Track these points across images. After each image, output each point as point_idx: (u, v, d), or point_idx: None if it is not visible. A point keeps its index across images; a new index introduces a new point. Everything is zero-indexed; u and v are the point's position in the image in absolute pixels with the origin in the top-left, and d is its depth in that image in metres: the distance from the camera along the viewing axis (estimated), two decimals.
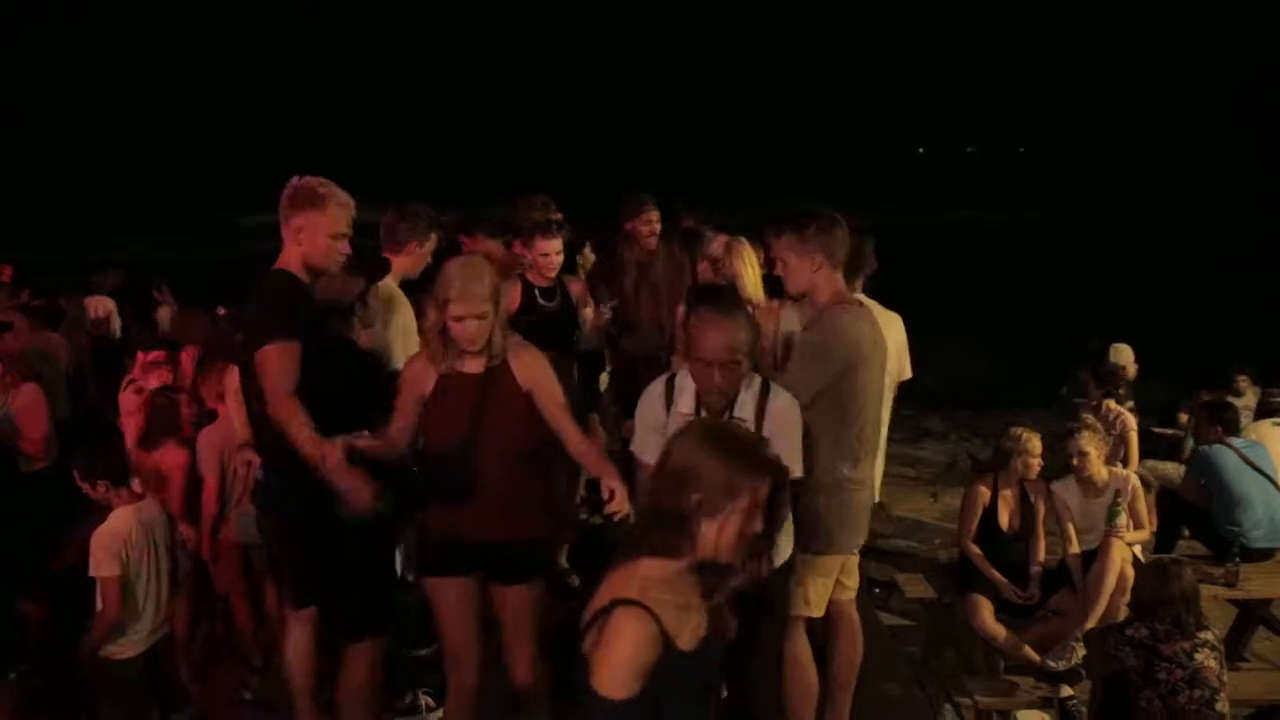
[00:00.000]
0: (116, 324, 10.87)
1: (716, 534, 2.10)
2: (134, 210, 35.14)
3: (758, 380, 3.27)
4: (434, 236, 4.34)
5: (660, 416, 3.31)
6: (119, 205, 35.44)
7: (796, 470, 3.27)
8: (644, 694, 2.05)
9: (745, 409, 3.21)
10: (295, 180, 3.48)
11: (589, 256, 6.46)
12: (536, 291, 4.86)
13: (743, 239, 4.41)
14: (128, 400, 6.28)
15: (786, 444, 3.21)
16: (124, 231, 29.79)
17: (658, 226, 5.48)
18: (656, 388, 3.38)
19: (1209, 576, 5.10)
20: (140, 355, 6.74)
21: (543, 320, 4.71)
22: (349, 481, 3.11)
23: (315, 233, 3.41)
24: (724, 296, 3.61)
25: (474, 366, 3.30)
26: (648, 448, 3.28)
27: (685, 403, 3.26)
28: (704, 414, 3.21)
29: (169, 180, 41.05)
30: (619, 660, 2.04)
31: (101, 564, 3.70)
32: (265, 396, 3.29)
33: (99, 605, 3.70)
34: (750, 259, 4.31)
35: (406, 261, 4.26)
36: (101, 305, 10.94)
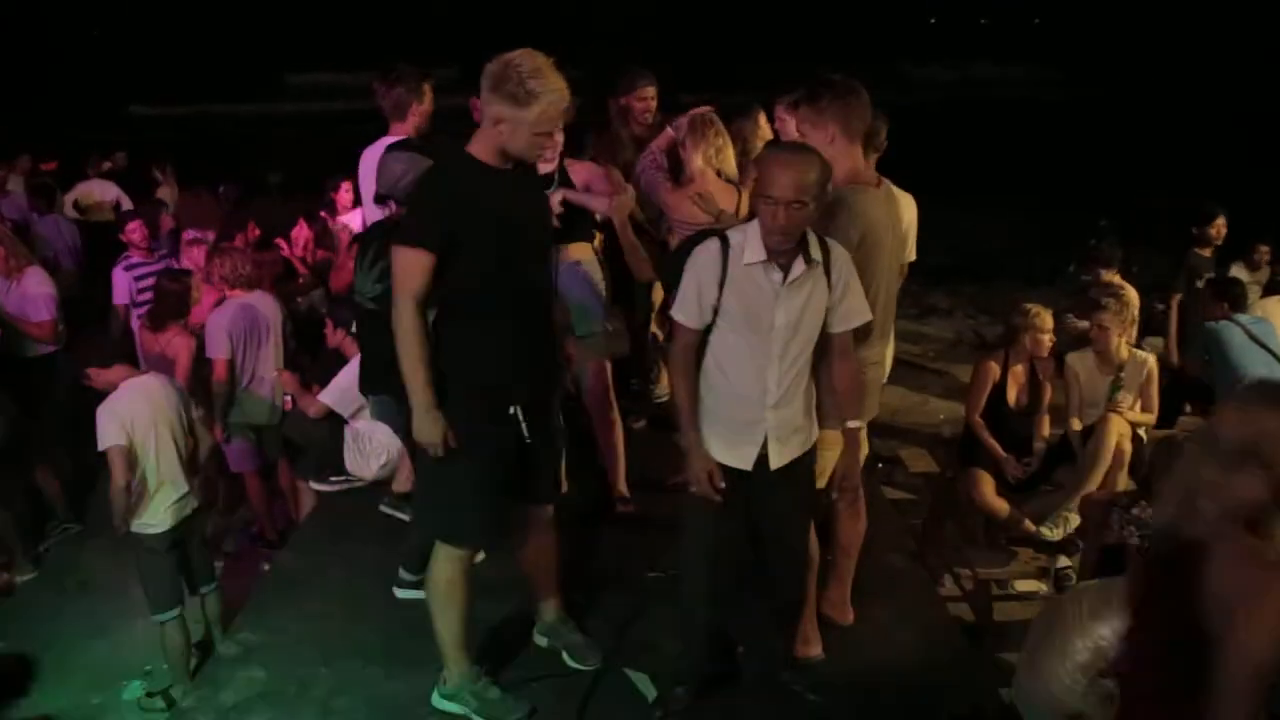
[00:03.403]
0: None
1: None
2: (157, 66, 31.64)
3: (811, 233, 3.18)
4: (428, 91, 4.20)
5: (716, 274, 3.15)
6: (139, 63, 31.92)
7: (869, 314, 3.29)
8: None
9: (815, 251, 3.15)
10: None
11: None
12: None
13: (708, 112, 4.29)
14: (119, 280, 6.22)
15: (858, 293, 3.25)
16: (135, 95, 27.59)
17: (653, 103, 5.22)
18: (711, 246, 3.19)
19: None
20: (127, 233, 6.56)
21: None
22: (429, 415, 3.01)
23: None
24: (796, 144, 3.45)
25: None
26: (693, 311, 3.18)
27: (752, 253, 3.12)
28: (771, 265, 3.10)
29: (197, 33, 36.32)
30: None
31: (106, 436, 3.76)
32: None
33: (112, 476, 3.77)
34: (720, 135, 4.19)
35: (411, 125, 4.14)
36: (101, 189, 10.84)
